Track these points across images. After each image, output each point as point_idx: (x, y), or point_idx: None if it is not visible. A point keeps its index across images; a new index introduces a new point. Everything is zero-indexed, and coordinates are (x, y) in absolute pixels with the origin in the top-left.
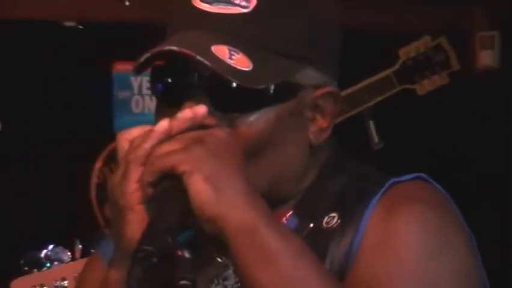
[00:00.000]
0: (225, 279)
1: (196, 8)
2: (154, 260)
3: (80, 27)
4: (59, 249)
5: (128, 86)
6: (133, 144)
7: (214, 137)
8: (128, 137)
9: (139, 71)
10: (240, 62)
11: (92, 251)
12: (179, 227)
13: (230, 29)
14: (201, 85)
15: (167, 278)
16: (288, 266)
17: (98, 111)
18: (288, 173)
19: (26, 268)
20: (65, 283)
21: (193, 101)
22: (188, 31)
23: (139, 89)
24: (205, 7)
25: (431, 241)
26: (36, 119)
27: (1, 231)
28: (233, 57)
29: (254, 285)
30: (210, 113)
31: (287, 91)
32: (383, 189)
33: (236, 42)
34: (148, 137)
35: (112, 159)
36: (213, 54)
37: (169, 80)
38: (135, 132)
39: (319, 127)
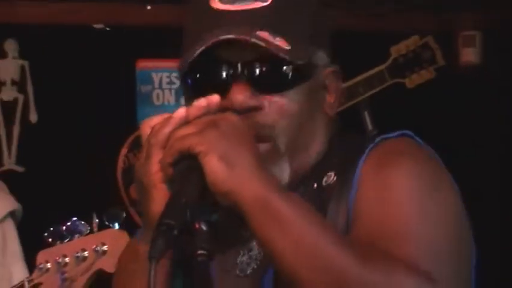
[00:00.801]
0: (250, 250)
1: (218, 9)
2: (175, 232)
3: (108, 29)
4: (79, 222)
5: (150, 81)
6: (154, 129)
7: (227, 120)
8: (150, 124)
9: (184, 66)
10: (282, 43)
11: (108, 224)
12: (197, 202)
13: (255, 21)
14: (243, 71)
15: (186, 248)
16: (299, 231)
17: (124, 104)
18: (315, 146)
19: (50, 240)
20: (86, 253)
21: (237, 84)
22: (221, 27)
23: (159, 84)
24: (227, 7)
25: (420, 190)
26: (70, 111)
27: (35, 207)
28: (276, 39)
29: (272, 251)
30: (252, 94)
31: (309, 70)
32: (371, 145)
33: (270, 28)
34: (167, 122)
35: (136, 145)
36: (262, 37)
37: (207, 74)
38: (156, 119)
39: (329, 103)
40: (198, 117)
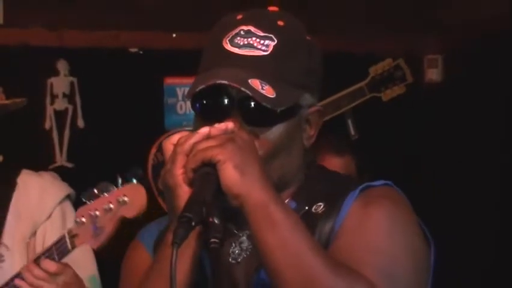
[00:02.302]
0: (241, 242)
1: (229, 50)
2: (193, 224)
3: (141, 52)
4: (107, 183)
5: (175, 95)
6: (180, 140)
7: (241, 138)
8: (171, 141)
9: (191, 95)
10: (268, 91)
11: (129, 179)
12: (211, 200)
13: (256, 67)
14: (233, 107)
15: (202, 237)
16: (287, 232)
17: (154, 113)
18: (292, 170)
19: (84, 200)
20: (111, 205)
21: (230, 118)
22: (227, 68)
23: (182, 97)
24: (236, 50)
25: (394, 226)
26: (111, 118)
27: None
28: (264, 87)
29: (262, 246)
30: (241, 126)
31: (293, 111)
32: (360, 188)
33: (262, 76)
34: (191, 136)
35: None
36: (251, 86)
37: (210, 103)
38: (176, 137)
39: (309, 135)
40: (218, 134)
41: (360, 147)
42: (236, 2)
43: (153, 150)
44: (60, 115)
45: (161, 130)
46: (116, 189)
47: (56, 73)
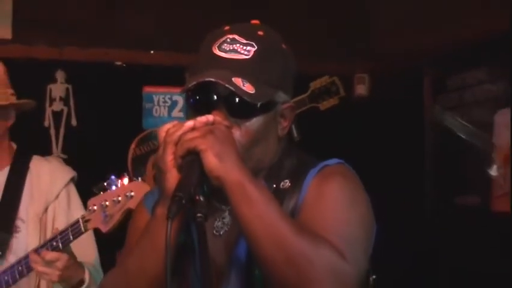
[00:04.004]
0: (223, 218)
1: (217, 54)
2: (183, 201)
3: (124, 65)
4: (115, 178)
5: (152, 100)
6: (170, 131)
7: (220, 130)
8: (164, 129)
9: (184, 91)
10: (248, 88)
11: (134, 179)
12: (197, 182)
13: (239, 68)
14: (219, 101)
15: (190, 213)
16: (261, 206)
17: (134, 115)
18: (268, 155)
19: (96, 191)
20: (119, 198)
21: (217, 111)
22: (215, 69)
23: (157, 102)
24: (222, 54)
25: (346, 197)
26: (99, 119)
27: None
28: (245, 85)
29: (241, 218)
30: (226, 118)
31: (270, 106)
32: (319, 167)
33: (244, 76)
34: (179, 128)
35: (141, 143)
36: (234, 83)
37: (201, 98)
38: (167, 125)
39: (283, 126)
40: (201, 126)
41: (301, 147)
42: (205, 26)
43: (133, 146)
44: (57, 115)
45: (139, 129)
46: (124, 184)
47: (54, 81)
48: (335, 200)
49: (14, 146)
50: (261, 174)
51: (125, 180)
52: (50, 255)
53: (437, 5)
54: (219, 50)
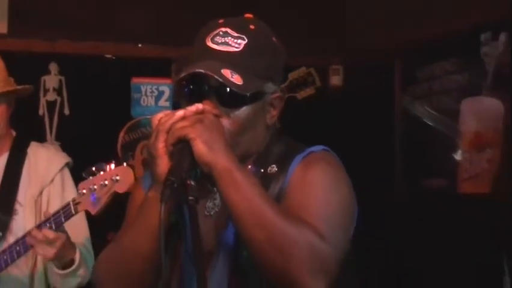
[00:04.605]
0: (214, 199)
1: (209, 46)
2: (175, 185)
3: (114, 58)
4: (103, 164)
5: (140, 91)
6: (161, 120)
7: (209, 119)
8: (156, 118)
9: (176, 81)
10: (237, 79)
11: (120, 163)
12: (188, 168)
13: (229, 60)
14: (210, 91)
15: (182, 196)
16: (247, 191)
17: (123, 105)
18: (256, 142)
19: (85, 176)
20: (106, 182)
21: (207, 100)
22: (207, 60)
23: (145, 92)
24: (215, 46)
25: (328, 181)
26: (91, 108)
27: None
28: (233, 76)
29: (228, 202)
30: (216, 107)
31: (258, 96)
32: (304, 153)
33: (233, 67)
34: (171, 117)
35: (129, 130)
36: (223, 74)
37: (194, 88)
38: (160, 114)
39: (272, 115)
40: (191, 115)
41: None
42: (191, 21)
43: (122, 133)
44: (51, 105)
45: (128, 118)
46: (110, 169)
47: (48, 72)
48: (317, 184)
49: (14, 133)
50: (250, 159)
51: (112, 166)
52: (51, 234)
53: (409, 2)
54: (212, 42)
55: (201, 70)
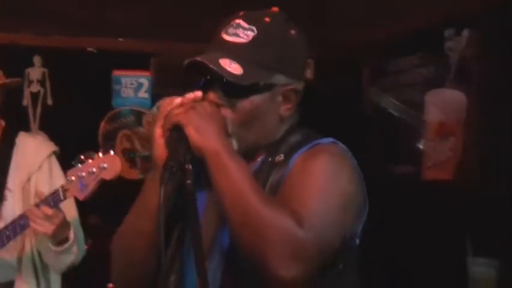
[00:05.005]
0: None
1: (222, 38)
2: (174, 169)
3: (95, 51)
4: (91, 152)
5: (120, 83)
6: (161, 107)
7: (201, 106)
8: (162, 103)
9: (184, 71)
10: (236, 69)
11: (107, 152)
12: (187, 153)
13: (235, 51)
14: (213, 81)
15: (180, 180)
16: (233, 175)
17: (104, 96)
18: (266, 134)
19: (74, 164)
20: (94, 169)
21: (212, 90)
22: (214, 51)
23: (125, 84)
24: (226, 38)
25: (326, 174)
26: (73, 99)
27: (66, 154)
28: (232, 66)
29: (215, 186)
30: (220, 98)
31: (266, 87)
32: (311, 144)
33: (236, 58)
34: (169, 103)
35: (110, 120)
36: (219, 64)
37: (202, 78)
38: (166, 101)
39: (286, 107)
40: (188, 103)
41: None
42: (171, 15)
43: (102, 123)
44: (34, 96)
45: (109, 108)
46: (98, 157)
47: (32, 65)
48: (314, 174)
49: (3, 123)
50: (263, 149)
51: (100, 154)
52: (50, 210)
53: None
54: (225, 34)
55: (198, 59)
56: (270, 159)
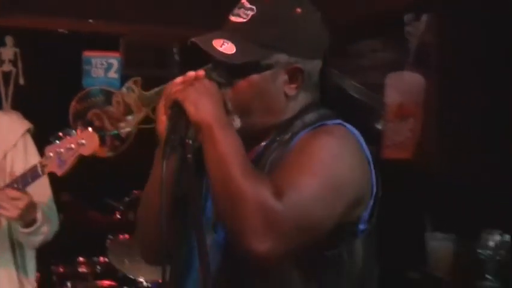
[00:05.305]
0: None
1: (229, 18)
2: (176, 143)
3: (66, 32)
4: (70, 129)
5: (90, 63)
6: (167, 85)
7: (200, 83)
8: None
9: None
10: (228, 49)
11: (85, 128)
12: (187, 128)
13: (232, 30)
14: (215, 61)
15: (182, 154)
16: (222, 148)
17: (75, 76)
18: (272, 113)
19: (52, 140)
20: (72, 145)
21: (213, 69)
22: (217, 32)
23: (95, 65)
24: (231, 18)
25: (321, 153)
26: (44, 78)
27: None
28: (224, 45)
29: (205, 158)
30: (221, 76)
31: (263, 66)
32: (316, 124)
33: (231, 37)
34: (172, 83)
35: (81, 100)
36: (211, 44)
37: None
38: (178, 79)
39: (290, 87)
40: (188, 81)
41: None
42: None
43: (73, 103)
44: (6, 75)
45: (79, 88)
46: (77, 134)
47: (4, 45)
48: (309, 154)
49: None
50: (274, 128)
51: (79, 131)
52: (13, 193)
53: None
54: (231, 15)
55: (193, 40)
56: (278, 138)
